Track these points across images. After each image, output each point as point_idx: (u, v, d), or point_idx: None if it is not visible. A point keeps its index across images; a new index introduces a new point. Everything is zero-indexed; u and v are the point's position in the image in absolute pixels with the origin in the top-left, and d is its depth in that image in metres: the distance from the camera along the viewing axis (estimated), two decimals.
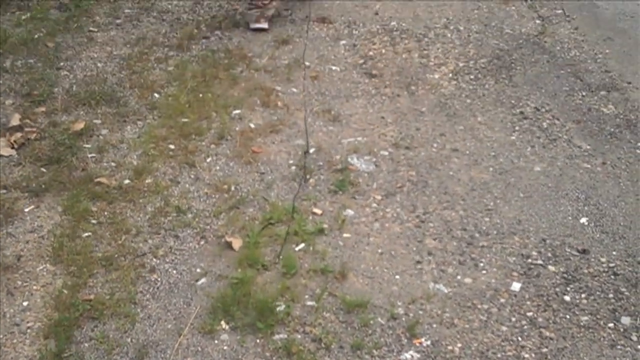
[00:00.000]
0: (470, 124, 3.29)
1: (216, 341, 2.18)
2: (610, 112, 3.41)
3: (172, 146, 3.06)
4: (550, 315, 2.30)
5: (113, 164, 2.94)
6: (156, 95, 3.42)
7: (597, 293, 2.38)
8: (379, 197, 2.80)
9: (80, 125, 3.15)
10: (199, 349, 2.15)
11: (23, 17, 4.16)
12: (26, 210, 2.68)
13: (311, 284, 2.38)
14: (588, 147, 3.15)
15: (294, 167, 2.96)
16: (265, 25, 4.08)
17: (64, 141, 3.04)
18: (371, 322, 2.25)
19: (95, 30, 4.06)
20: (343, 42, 4.01)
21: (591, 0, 4.69)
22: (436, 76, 3.67)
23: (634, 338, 2.22)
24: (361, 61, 3.81)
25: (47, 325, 2.20)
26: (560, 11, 4.48)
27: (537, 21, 4.33)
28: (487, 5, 4.51)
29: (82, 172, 2.88)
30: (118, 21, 4.17)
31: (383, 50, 3.91)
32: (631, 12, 4.53)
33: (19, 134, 3.07)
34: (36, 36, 3.94)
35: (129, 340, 2.17)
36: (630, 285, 2.41)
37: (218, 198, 2.77)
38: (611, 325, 2.27)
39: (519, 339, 2.21)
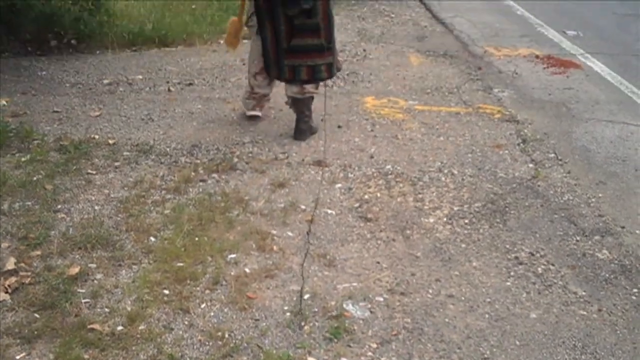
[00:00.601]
0: (465, 269, 3.46)
1: None
2: (604, 258, 3.60)
3: (166, 291, 3.21)
4: None
5: (107, 309, 3.08)
6: (152, 238, 3.62)
7: None
8: (375, 345, 2.92)
9: (75, 270, 3.32)
10: None
11: (23, 159, 4.44)
12: (17, 357, 2.79)
13: None
14: (583, 293, 3.31)
15: (288, 314, 3.09)
16: (259, 114, 5.17)
17: (58, 286, 3.19)
18: None
19: (94, 172, 4.32)
20: (338, 185, 4.27)
21: (583, 144, 5.01)
22: (431, 220, 3.90)
23: None
24: (356, 205, 4.04)
25: None
26: (552, 155, 4.79)
27: (530, 165, 4.62)
28: (480, 149, 4.83)
29: (76, 318, 3.01)
30: (117, 164, 4.44)
31: (378, 194, 4.16)
32: (622, 155, 4.84)
33: (13, 279, 3.23)
34: (35, 178, 4.19)
35: None
36: None
37: (212, 346, 2.89)
38: None
39: None
